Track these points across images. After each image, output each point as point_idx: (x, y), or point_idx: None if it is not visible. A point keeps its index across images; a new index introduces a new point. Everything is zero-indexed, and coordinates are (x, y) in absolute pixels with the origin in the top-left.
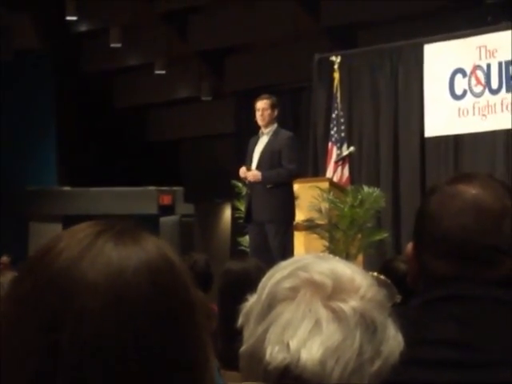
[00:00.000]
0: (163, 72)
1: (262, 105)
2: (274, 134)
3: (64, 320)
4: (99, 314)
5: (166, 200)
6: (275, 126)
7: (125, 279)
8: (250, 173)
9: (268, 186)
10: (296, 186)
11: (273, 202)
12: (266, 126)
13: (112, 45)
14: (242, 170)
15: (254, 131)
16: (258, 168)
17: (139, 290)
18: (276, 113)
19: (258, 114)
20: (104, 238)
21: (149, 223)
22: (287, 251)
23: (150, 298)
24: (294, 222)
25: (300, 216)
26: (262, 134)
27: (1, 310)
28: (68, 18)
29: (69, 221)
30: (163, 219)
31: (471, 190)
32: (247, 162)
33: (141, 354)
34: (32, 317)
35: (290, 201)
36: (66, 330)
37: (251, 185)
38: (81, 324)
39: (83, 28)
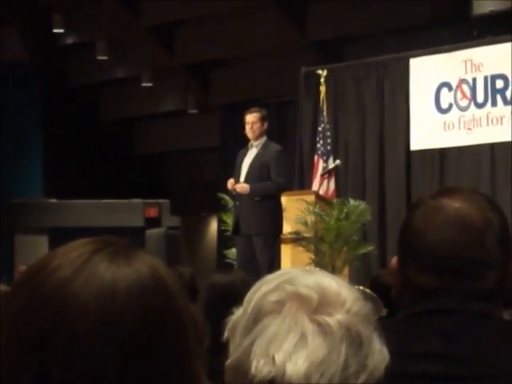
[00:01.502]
0: (150, 85)
1: (251, 118)
2: (263, 147)
3: (54, 341)
4: (89, 336)
5: (152, 212)
6: (264, 138)
7: (116, 302)
8: (239, 185)
9: (255, 199)
10: (282, 199)
11: (260, 214)
12: (256, 139)
13: (98, 57)
14: (230, 182)
15: (240, 144)
16: (246, 180)
17: (130, 312)
18: (265, 126)
19: (248, 127)
20: (98, 258)
21: (134, 236)
22: (274, 264)
23: (141, 321)
24: (281, 235)
25: (286, 229)
26: (251, 146)
27: None
28: (55, 30)
29: (55, 233)
30: (149, 232)
31: (454, 204)
32: (235, 174)
33: (130, 377)
34: (23, 336)
35: (277, 214)
36: (55, 351)
37: (239, 197)
38: (70, 345)
39: (70, 40)
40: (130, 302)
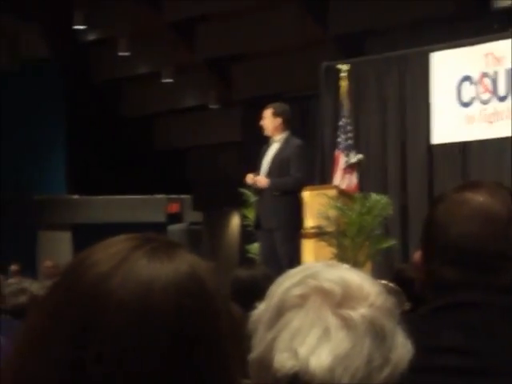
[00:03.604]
0: (171, 80)
1: (264, 114)
2: (285, 142)
3: (90, 336)
4: (124, 333)
5: (174, 208)
6: (286, 133)
7: (152, 299)
8: (258, 178)
9: (275, 194)
10: (304, 194)
11: (280, 209)
12: (272, 133)
13: (120, 53)
14: (249, 177)
15: (262, 139)
16: (267, 175)
17: (165, 311)
18: (279, 121)
19: (261, 123)
20: (137, 254)
21: (157, 231)
22: (294, 259)
23: (175, 320)
24: (302, 230)
25: (308, 223)
26: (273, 141)
27: (32, 320)
28: (76, 27)
29: (78, 229)
30: (171, 227)
31: (478, 198)
32: (258, 169)
33: (163, 374)
34: (61, 329)
35: (297, 209)
36: (91, 346)
37: (260, 192)
38: (106, 341)
39: (91, 37)
40: (165, 301)
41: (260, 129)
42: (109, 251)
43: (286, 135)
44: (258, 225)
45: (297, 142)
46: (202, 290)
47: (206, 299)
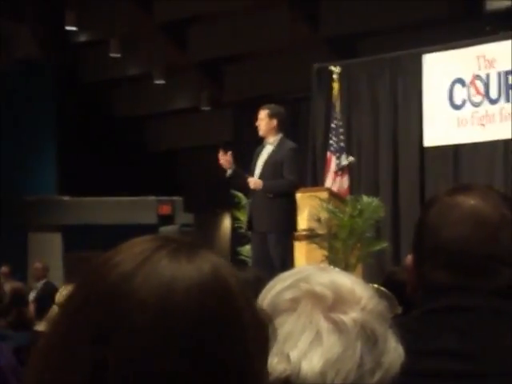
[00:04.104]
0: (162, 82)
1: (259, 115)
2: (279, 145)
3: (112, 335)
4: (146, 332)
5: (166, 210)
6: (280, 136)
7: (174, 299)
8: (252, 180)
9: (268, 196)
10: (296, 196)
11: (274, 212)
12: (266, 135)
13: (111, 55)
14: (222, 156)
15: (254, 141)
16: (260, 178)
17: (187, 310)
18: (275, 123)
19: (256, 124)
20: (159, 254)
21: (148, 233)
22: (287, 261)
23: (198, 320)
24: (295, 232)
25: (300, 226)
26: (266, 143)
27: (55, 321)
28: (68, 28)
29: (68, 230)
30: (162, 229)
31: (470, 201)
32: (251, 171)
33: (186, 376)
34: (82, 329)
35: (291, 211)
36: (113, 346)
37: (253, 194)
38: (128, 341)
39: (83, 38)
40: (187, 301)
41: (252, 130)
42: (131, 251)
43: (280, 137)
44: (250, 226)
45: (290, 144)
46: (226, 290)
47: (229, 299)
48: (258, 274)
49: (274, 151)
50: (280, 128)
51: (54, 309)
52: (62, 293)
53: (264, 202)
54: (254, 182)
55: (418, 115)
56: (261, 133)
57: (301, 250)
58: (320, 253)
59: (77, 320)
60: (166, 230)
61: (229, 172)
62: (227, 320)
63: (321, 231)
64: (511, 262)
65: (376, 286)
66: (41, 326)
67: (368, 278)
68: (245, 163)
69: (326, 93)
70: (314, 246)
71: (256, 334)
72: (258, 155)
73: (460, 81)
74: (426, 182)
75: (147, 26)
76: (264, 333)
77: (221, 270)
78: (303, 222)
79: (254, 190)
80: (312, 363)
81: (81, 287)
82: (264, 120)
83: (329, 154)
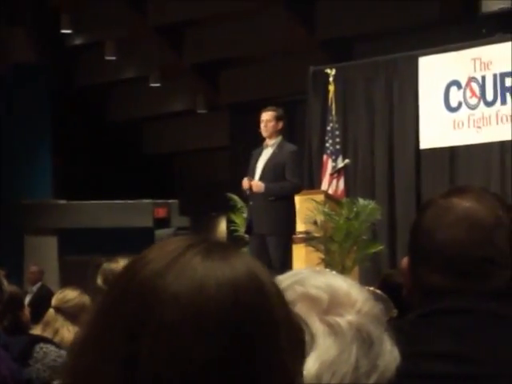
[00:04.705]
0: (158, 85)
1: (266, 116)
2: (279, 147)
3: (144, 330)
4: (178, 327)
5: (161, 213)
6: (280, 138)
7: (206, 294)
8: (254, 182)
9: (270, 199)
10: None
11: (274, 214)
12: (270, 137)
13: (107, 58)
14: (245, 181)
15: (250, 144)
16: (261, 180)
17: (219, 306)
18: (280, 125)
19: (262, 126)
20: (192, 252)
21: (144, 236)
22: (287, 264)
23: (230, 315)
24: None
25: (297, 228)
26: (266, 146)
27: (89, 318)
28: (63, 31)
29: (64, 234)
30: (158, 232)
31: (464, 203)
32: (250, 174)
33: (216, 371)
34: (115, 326)
35: (291, 214)
36: (144, 341)
37: (253, 197)
38: (159, 335)
39: (78, 41)
40: (221, 296)
41: (248, 133)
42: (164, 249)
43: (280, 140)
44: (249, 230)
45: (291, 147)
46: (259, 288)
47: (262, 297)
48: None
49: (274, 153)
50: (281, 130)
51: (51, 312)
52: (59, 296)
53: (265, 205)
54: (257, 184)
55: (413, 118)
56: (266, 134)
57: (299, 252)
58: (316, 255)
59: (110, 316)
60: (161, 233)
61: (248, 192)
62: (259, 317)
63: (317, 234)
64: (506, 264)
65: (372, 288)
66: (36, 330)
67: (364, 280)
68: (241, 166)
69: (322, 95)
70: (311, 248)
71: (289, 333)
72: (256, 157)
73: (456, 83)
74: (422, 185)
75: (143, 29)
76: (298, 334)
77: (254, 268)
78: (300, 224)
79: (255, 193)
80: (307, 366)
81: (115, 285)
82: (271, 122)
83: (325, 156)
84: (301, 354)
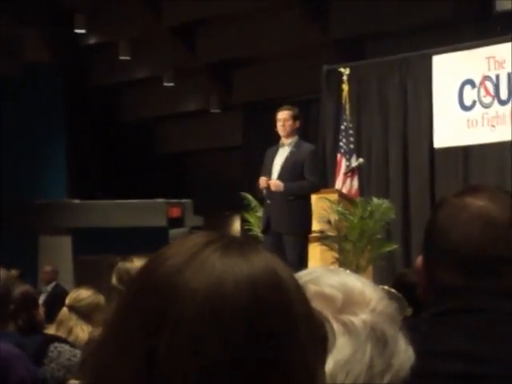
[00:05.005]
0: (172, 84)
1: (283, 115)
2: (296, 146)
3: (162, 326)
4: (196, 322)
5: (175, 212)
6: (296, 137)
7: (224, 290)
8: (273, 182)
9: (289, 198)
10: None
11: (292, 213)
12: (287, 136)
13: (121, 57)
14: (263, 180)
15: (264, 143)
16: (279, 179)
17: (238, 302)
18: (297, 124)
19: (279, 125)
20: (211, 248)
21: (158, 236)
22: (303, 263)
23: (248, 311)
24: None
25: (312, 227)
26: (283, 145)
27: (110, 314)
28: (77, 31)
29: (78, 233)
30: (172, 231)
31: (478, 202)
32: (265, 173)
33: (234, 366)
34: (134, 321)
35: (308, 213)
36: (163, 336)
37: (271, 195)
38: (177, 331)
39: (92, 41)
40: (237, 291)
41: (262, 132)
42: (183, 246)
43: (296, 139)
44: (266, 229)
45: (309, 146)
46: (277, 283)
47: (281, 292)
48: None
49: (292, 152)
50: (298, 129)
51: (64, 311)
52: (72, 295)
53: (283, 204)
54: (275, 183)
55: (427, 116)
56: (283, 134)
57: (314, 251)
58: (330, 255)
59: (130, 313)
60: (175, 232)
61: (265, 191)
62: (278, 312)
63: (331, 233)
64: None
65: (386, 287)
66: (50, 329)
67: (378, 279)
68: (254, 165)
69: (336, 95)
70: (325, 247)
71: (310, 330)
72: (272, 156)
73: (470, 82)
74: (436, 184)
75: (157, 29)
76: (319, 330)
77: (273, 264)
78: (314, 223)
79: (272, 192)
80: None
81: (134, 282)
82: (289, 121)
83: (339, 155)
84: (322, 351)
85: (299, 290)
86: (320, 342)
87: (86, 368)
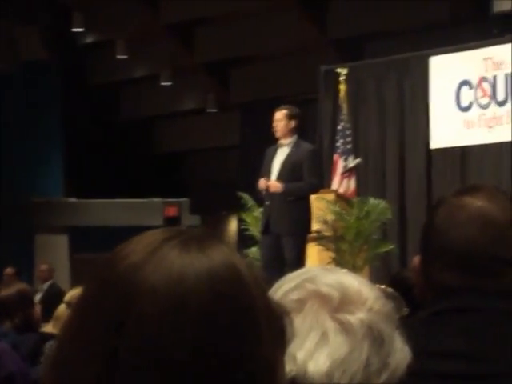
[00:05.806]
0: (169, 84)
1: (276, 116)
2: (295, 146)
3: (123, 324)
4: (157, 320)
5: (172, 212)
6: (295, 137)
7: (185, 286)
8: (272, 183)
9: (288, 199)
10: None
11: (292, 214)
12: (283, 137)
13: (118, 56)
14: (263, 181)
15: (261, 143)
16: (278, 179)
17: (199, 297)
18: (293, 124)
19: (274, 125)
20: (170, 244)
21: None
22: (302, 264)
23: (210, 306)
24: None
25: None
26: (281, 145)
27: (70, 313)
28: (75, 29)
29: (75, 232)
30: None
31: (477, 202)
32: (264, 173)
33: (197, 362)
34: (94, 320)
35: (307, 214)
36: (124, 335)
37: (270, 196)
38: (139, 329)
39: (90, 39)
40: (198, 287)
41: (259, 132)
42: (141, 242)
43: (295, 139)
44: (265, 230)
45: (308, 146)
46: (237, 278)
47: (241, 287)
48: (264, 275)
49: (290, 153)
50: (296, 129)
51: (62, 307)
52: (71, 293)
53: (283, 205)
54: (274, 185)
55: (424, 117)
56: (278, 134)
57: (312, 251)
58: (327, 254)
59: (89, 311)
60: None
61: (264, 192)
62: (239, 307)
63: (327, 233)
64: None
65: (383, 286)
66: (47, 328)
67: (375, 279)
68: (251, 165)
69: (333, 95)
70: (322, 247)
71: (270, 323)
72: (271, 156)
73: (467, 83)
74: (433, 184)
75: (154, 28)
76: (279, 323)
77: (232, 258)
78: (312, 223)
79: (272, 193)
80: (318, 364)
81: (93, 280)
82: (282, 121)
83: (336, 156)
84: (282, 344)
85: (258, 282)
86: (279, 333)
87: (46, 369)
